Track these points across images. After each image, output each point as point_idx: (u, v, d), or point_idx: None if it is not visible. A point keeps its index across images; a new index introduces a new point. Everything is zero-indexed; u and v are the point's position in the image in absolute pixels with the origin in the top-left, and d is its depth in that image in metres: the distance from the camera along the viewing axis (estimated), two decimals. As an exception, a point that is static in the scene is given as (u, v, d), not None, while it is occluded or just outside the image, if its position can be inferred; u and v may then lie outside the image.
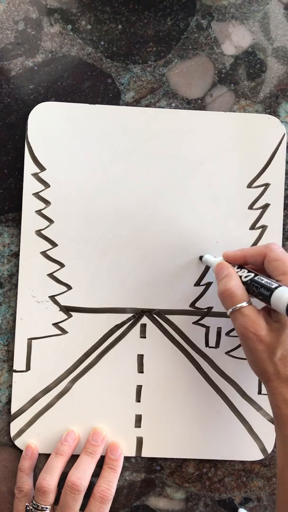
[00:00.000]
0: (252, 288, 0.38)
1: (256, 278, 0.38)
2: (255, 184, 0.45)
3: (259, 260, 0.39)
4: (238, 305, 0.37)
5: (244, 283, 0.38)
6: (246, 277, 0.38)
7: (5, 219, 0.45)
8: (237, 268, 0.40)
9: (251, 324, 0.37)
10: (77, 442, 0.43)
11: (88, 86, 0.45)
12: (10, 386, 0.44)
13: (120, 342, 0.44)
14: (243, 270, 0.39)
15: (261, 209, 0.45)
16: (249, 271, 0.39)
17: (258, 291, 0.37)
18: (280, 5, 0.46)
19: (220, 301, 0.39)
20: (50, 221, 0.44)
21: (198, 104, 0.46)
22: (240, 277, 0.39)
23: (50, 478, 0.41)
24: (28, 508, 0.41)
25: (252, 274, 0.38)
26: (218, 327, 0.45)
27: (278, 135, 0.45)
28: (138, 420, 0.44)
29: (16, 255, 0.45)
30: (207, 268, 0.45)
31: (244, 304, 0.37)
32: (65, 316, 0.44)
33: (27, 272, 0.44)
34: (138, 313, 0.45)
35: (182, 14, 0.46)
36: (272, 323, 0.37)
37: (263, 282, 0.37)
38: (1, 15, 0.45)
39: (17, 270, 0.45)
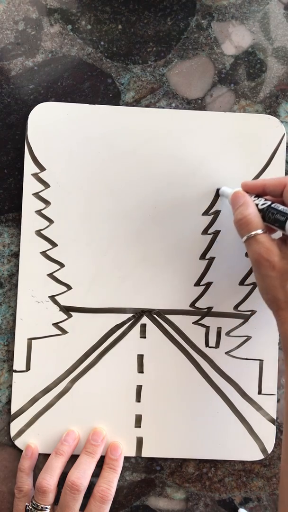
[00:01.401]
0: (268, 215, 0.38)
1: (272, 205, 0.38)
2: (255, 184, 0.45)
3: (278, 190, 0.39)
4: (253, 232, 0.38)
5: (260, 210, 0.39)
6: (262, 204, 0.39)
7: (5, 219, 0.45)
8: (254, 197, 0.40)
9: (265, 250, 0.37)
10: (77, 442, 0.43)
11: (88, 86, 0.45)
12: (10, 386, 0.44)
13: (120, 342, 0.44)
14: (260, 198, 0.40)
15: (261, 209, 0.45)
16: (265, 200, 0.39)
17: (274, 217, 0.37)
18: (280, 5, 0.46)
19: (236, 229, 0.39)
20: (50, 221, 0.44)
21: (198, 104, 0.46)
22: (257, 205, 0.39)
23: (50, 478, 0.41)
24: (28, 508, 0.41)
25: (269, 202, 0.39)
26: (218, 327, 0.45)
27: (278, 135, 0.45)
28: (138, 420, 0.44)
29: (16, 255, 0.45)
30: (207, 268, 0.45)
31: (259, 231, 0.38)
32: (65, 316, 0.44)
33: (27, 272, 0.44)
34: (138, 313, 0.45)
35: (182, 14, 0.46)
36: (286, 251, 0.37)
37: (279, 208, 0.37)
38: (1, 15, 0.45)
39: (17, 270, 0.45)
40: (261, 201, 0.39)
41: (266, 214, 0.38)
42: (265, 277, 0.37)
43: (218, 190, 0.44)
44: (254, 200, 0.40)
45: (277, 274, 0.36)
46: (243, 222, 0.38)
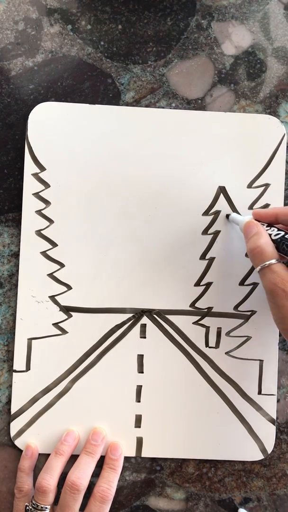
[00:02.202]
0: (282, 246, 0.38)
1: (286, 236, 0.38)
2: (255, 184, 0.45)
3: None
4: (268, 262, 0.37)
5: (274, 241, 0.38)
6: (276, 235, 0.39)
7: (5, 219, 0.45)
8: (267, 226, 0.40)
9: (280, 280, 0.37)
10: (77, 442, 0.43)
11: (88, 86, 0.45)
12: (10, 386, 0.44)
13: (120, 342, 0.44)
14: (272, 228, 0.39)
15: (261, 209, 0.45)
16: (278, 230, 0.39)
17: None
18: (280, 5, 0.46)
19: (250, 259, 0.39)
20: (50, 221, 0.44)
21: (198, 104, 0.46)
22: (270, 235, 0.39)
23: (49, 478, 0.41)
24: (27, 508, 0.41)
25: (283, 232, 0.38)
26: (218, 327, 0.45)
27: (278, 136, 0.45)
28: (138, 420, 0.44)
29: (16, 255, 0.45)
30: (207, 268, 0.45)
31: (274, 261, 0.37)
32: (65, 316, 0.44)
33: (27, 272, 0.44)
34: (138, 313, 0.45)
35: (182, 14, 0.46)
36: None
37: None
38: (1, 15, 0.45)
39: (17, 270, 0.45)
40: (274, 231, 0.39)
41: (280, 245, 0.38)
42: (280, 307, 0.37)
43: (227, 216, 0.44)
44: (267, 230, 0.39)
45: None
46: (256, 251, 0.38)
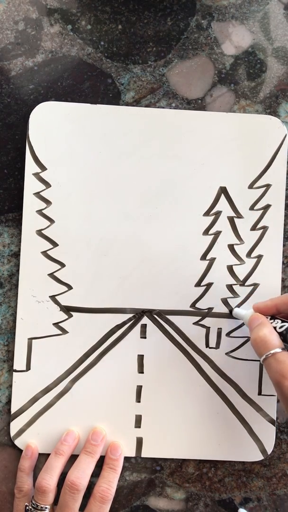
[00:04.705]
0: None
1: None
2: (256, 185, 0.45)
3: None
4: (272, 351, 0.37)
5: (280, 334, 0.38)
6: (281, 327, 0.38)
7: (5, 219, 0.45)
8: (270, 319, 0.40)
9: (287, 370, 0.35)
10: (77, 442, 0.43)
11: (88, 86, 0.45)
12: (10, 386, 0.44)
13: (120, 342, 0.44)
14: (276, 320, 0.39)
15: (262, 210, 0.45)
16: (283, 321, 0.39)
17: None
18: (280, 5, 0.46)
19: (253, 348, 0.39)
20: (51, 221, 0.44)
21: (198, 104, 0.46)
22: (275, 328, 0.38)
23: (49, 478, 0.41)
24: (27, 508, 0.41)
25: (287, 324, 0.38)
26: (218, 328, 0.45)
27: (279, 136, 0.45)
28: (138, 420, 0.44)
29: (16, 255, 0.45)
30: (207, 269, 0.45)
31: (279, 350, 0.37)
32: (66, 316, 0.44)
33: (27, 272, 0.44)
34: (139, 314, 0.45)
35: (182, 14, 0.46)
36: None
37: None
38: (1, 15, 0.45)
39: (17, 270, 0.45)
40: (278, 324, 0.39)
41: (286, 337, 0.38)
42: None
43: (231, 311, 0.44)
44: (271, 323, 0.39)
45: None
46: (259, 341, 0.38)
